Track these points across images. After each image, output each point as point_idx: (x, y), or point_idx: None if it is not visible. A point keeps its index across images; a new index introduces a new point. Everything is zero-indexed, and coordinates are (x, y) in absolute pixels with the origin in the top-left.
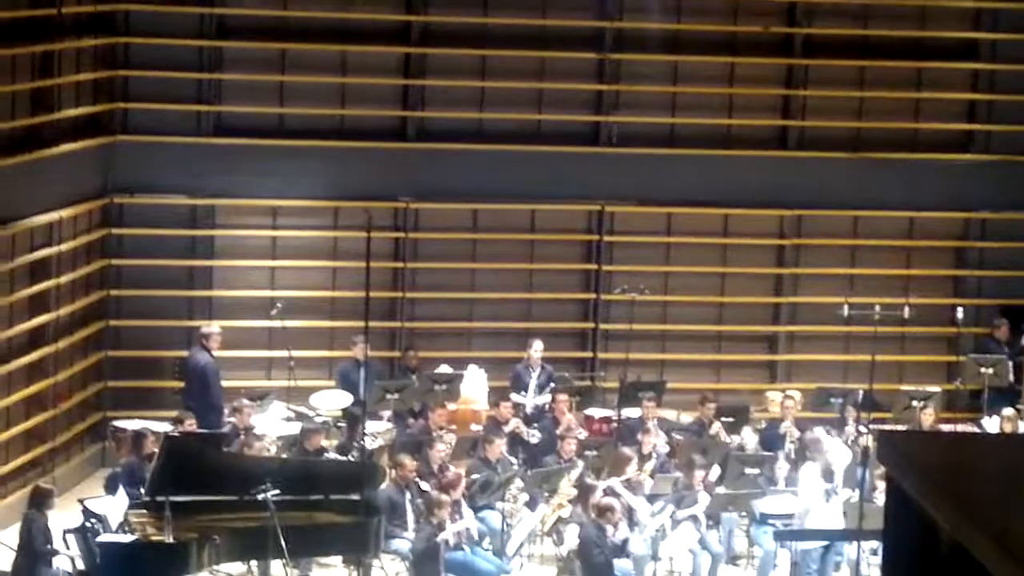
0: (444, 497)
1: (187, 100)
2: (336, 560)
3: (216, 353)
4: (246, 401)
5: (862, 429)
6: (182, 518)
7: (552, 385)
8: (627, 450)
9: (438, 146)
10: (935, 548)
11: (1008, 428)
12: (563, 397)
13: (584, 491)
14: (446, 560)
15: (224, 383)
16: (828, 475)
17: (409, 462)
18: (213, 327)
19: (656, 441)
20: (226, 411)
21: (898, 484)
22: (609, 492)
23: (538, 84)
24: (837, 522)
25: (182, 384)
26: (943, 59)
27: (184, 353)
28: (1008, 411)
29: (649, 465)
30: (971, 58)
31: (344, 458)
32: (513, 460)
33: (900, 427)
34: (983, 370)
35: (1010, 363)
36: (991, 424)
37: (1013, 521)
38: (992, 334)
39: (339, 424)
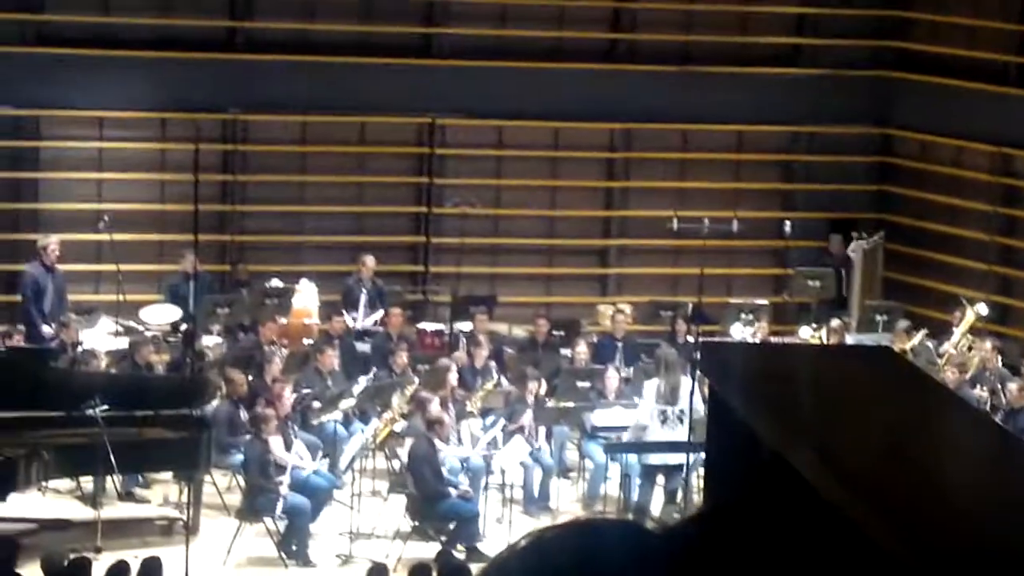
0: (270, 412)
1: (8, 8)
2: (167, 476)
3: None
4: (73, 316)
5: (691, 341)
6: (9, 434)
7: (383, 300)
8: (448, 363)
9: (267, 57)
10: (756, 457)
11: (835, 340)
12: (396, 311)
13: (418, 405)
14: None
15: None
16: (671, 396)
17: (239, 377)
18: (50, 239)
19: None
20: (52, 326)
21: (719, 394)
22: (442, 406)
23: None
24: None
25: (20, 298)
26: None
27: (20, 267)
28: (835, 322)
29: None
30: None
31: (174, 373)
32: (346, 375)
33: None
34: (810, 283)
35: (837, 275)
36: (805, 335)
37: (831, 431)
38: (827, 248)
39: (168, 339)
